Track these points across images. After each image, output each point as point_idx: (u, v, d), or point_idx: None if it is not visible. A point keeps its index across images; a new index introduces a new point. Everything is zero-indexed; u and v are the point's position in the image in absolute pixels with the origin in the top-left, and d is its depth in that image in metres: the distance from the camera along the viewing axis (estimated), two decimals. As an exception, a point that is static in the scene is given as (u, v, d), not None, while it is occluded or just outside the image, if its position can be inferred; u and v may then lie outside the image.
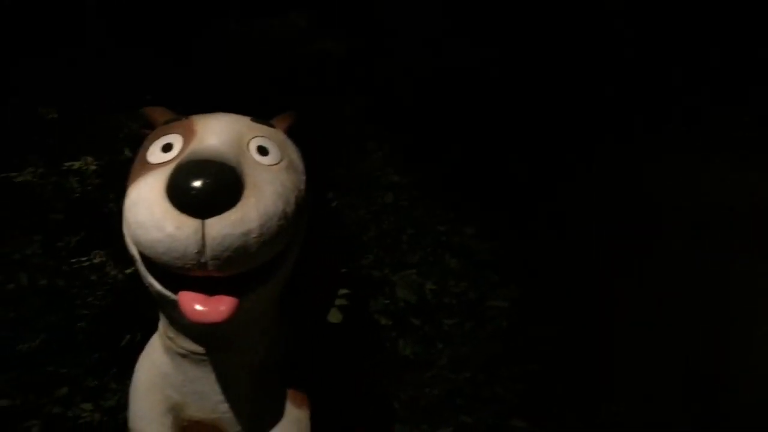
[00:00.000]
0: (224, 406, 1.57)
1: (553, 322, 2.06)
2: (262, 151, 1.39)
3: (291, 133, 1.55)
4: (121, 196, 1.43)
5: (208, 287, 1.28)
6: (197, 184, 1.19)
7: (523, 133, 2.19)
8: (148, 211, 1.23)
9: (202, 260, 1.22)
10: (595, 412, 2.10)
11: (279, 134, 1.50)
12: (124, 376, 1.84)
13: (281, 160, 1.41)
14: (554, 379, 2.02)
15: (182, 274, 1.26)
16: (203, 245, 1.20)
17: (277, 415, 1.60)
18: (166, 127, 1.45)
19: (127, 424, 1.64)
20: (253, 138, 1.41)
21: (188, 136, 1.38)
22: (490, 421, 1.93)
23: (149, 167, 1.35)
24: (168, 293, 1.32)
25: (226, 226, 1.20)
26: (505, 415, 1.95)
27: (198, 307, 1.26)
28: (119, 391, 1.85)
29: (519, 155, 2.16)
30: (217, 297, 1.28)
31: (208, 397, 1.56)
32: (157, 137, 1.42)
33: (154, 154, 1.38)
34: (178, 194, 1.20)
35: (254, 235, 1.24)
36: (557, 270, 2.12)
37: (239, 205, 1.22)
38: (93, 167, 1.73)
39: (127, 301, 1.82)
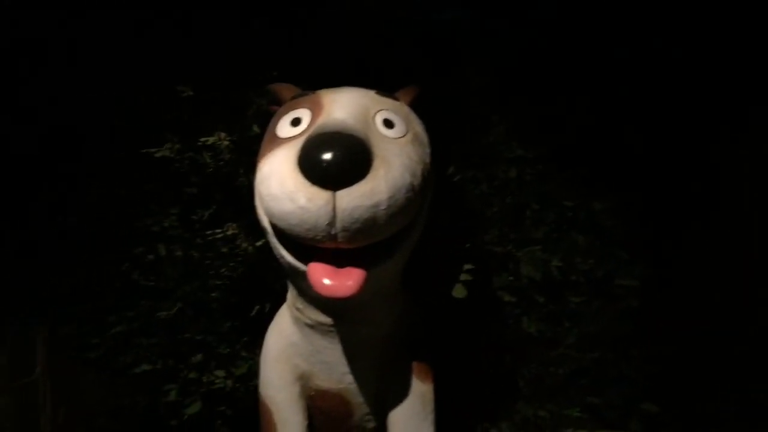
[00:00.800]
0: (350, 377, 1.60)
1: (688, 302, 1.95)
2: (388, 124, 1.39)
3: (415, 107, 1.53)
4: (250, 171, 1.46)
5: (336, 259, 1.30)
6: (328, 156, 1.20)
7: (656, 105, 2.07)
8: (281, 183, 1.26)
9: (333, 232, 1.23)
10: (731, 398, 1.98)
11: (403, 107, 1.49)
12: (253, 345, 1.91)
13: (407, 133, 1.40)
14: (689, 362, 1.92)
15: (312, 245, 1.29)
16: (334, 217, 1.21)
17: (402, 389, 1.61)
18: (294, 102, 1.48)
19: (258, 390, 1.70)
20: (379, 111, 1.41)
21: (316, 110, 1.39)
22: (619, 403, 1.86)
23: (279, 141, 1.38)
24: (298, 264, 1.35)
25: (356, 198, 1.21)
26: (635, 397, 1.87)
27: (327, 281, 1.28)
28: (249, 359, 1.91)
29: (652, 128, 2.04)
30: (345, 271, 1.29)
31: (334, 367, 1.59)
32: (286, 112, 1.45)
33: (284, 128, 1.41)
34: (310, 166, 1.21)
35: (383, 207, 1.24)
36: (691, 248, 2.00)
37: (369, 177, 1.23)
38: (226, 142, 1.79)
39: (257, 273, 1.88)
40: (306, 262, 1.33)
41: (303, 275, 1.34)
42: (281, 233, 1.34)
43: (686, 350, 1.93)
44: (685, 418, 1.90)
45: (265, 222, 1.41)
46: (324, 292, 1.28)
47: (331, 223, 1.22)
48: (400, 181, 1.27)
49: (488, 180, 1.99)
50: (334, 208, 1.21)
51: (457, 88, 2.01)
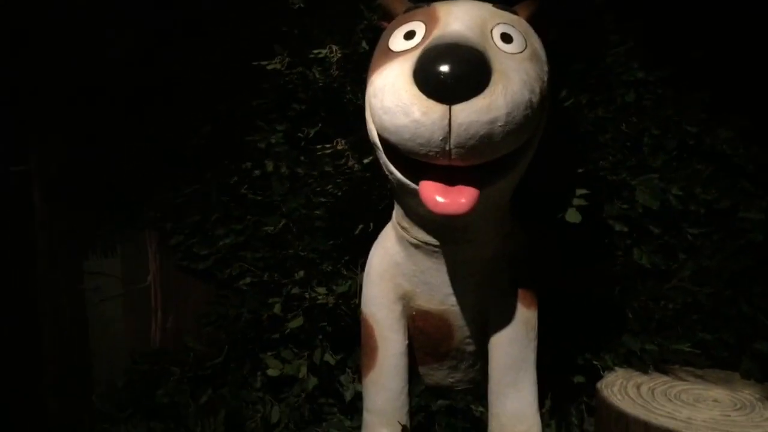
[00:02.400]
0: (453, 299, 1.60)
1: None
2: (506, 38, 1.33)
3: (533, 22, 1.46)
4: (358, 89, 1.43)
5: (447, 178, 1.27)
6: (445, 68, 1.16)
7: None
8: (395, 96, 1.23)
9: (447, 148, 1.20)
10: None
11: (522, 22, 1.43)
12: (355, 264, 1.93)
13: (525, 49, 1.34)
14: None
15: (425, 161, 1.26)
16: (449, 132, 1.18)
17: (506, 314, 1.59)
18: (408, 15, 1.43)
19: (360, 308, 1.72)
20: (497, 25, 1.35)
21: (431, 23, 1.35)
22: (732, 342, 1.77)
23: (392, 55, 1.34)
24: (408, 182, 1.33)
25: (473, 113, 1.17)
26: (751, 336, 1.78)
27: (439, 198, 1.26)
28: (350, 278, 1.93)
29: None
30: (457, 189, 1.27)
31: (437, 288, 1.58)
32: (399, 25, 1.41)
33: (397, 41, 1.37)
34: (426, 78, 1.18)
35: (500, 124, 1.19)
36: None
37: (487, 91, 1.18)
38: (339, 55, 1.76)
39: (362, 191, 1.87)
40: (416, 180, 1.31)
41: (413, 193, 1.33)
42: (392, 149, 1.32)
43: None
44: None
45: (376, 137, 1.39)
46: (436, 209, 1.25)
47: (446, 139, 1.19)
48: (518, 98, 1.22)
49: (605, 104, 1.88)
50: (449, 123, 1.17)
51: (574, 6, 1.89)
